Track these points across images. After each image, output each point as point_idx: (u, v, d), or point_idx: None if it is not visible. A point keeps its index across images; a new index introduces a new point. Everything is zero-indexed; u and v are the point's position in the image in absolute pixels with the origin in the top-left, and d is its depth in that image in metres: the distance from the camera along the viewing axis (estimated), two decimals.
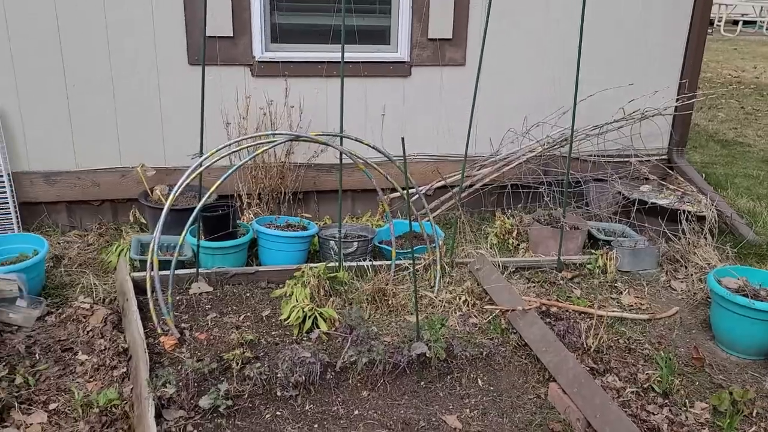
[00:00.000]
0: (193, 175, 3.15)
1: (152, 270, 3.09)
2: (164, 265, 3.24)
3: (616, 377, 2.99)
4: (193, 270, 3.57)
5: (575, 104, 3.86)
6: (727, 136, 8.07)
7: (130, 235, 4.06)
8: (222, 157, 3.25)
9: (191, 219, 3.11)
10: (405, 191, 3.14)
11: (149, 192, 4.14)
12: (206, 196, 3.15)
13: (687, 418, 2.72)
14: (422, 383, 2.94)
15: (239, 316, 3.36)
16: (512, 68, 4.87)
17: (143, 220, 4.19)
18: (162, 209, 3.08)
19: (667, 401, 2.83)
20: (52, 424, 2.49)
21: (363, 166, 3.61)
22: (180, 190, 3.16)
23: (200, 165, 3.18)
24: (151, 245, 3.09)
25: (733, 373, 3.12)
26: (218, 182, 3.14)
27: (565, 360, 2.93)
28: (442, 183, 4.78)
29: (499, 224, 4.55)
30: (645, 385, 2.93)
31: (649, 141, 5.21)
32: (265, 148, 3.52)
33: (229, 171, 3.17)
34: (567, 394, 2.76)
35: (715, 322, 3.35)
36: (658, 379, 2.92)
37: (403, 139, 2.75)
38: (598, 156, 5.00)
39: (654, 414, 2.71)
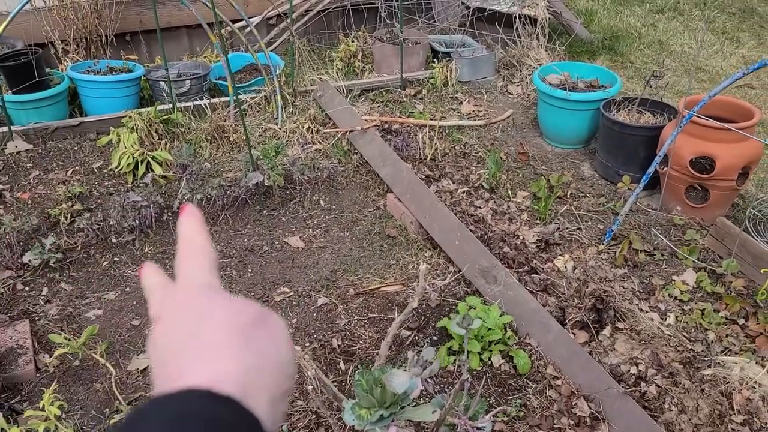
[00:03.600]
0: None
1: None
2: None
3: (450, 181, 3.15)
4: (5, 129, 3.25)
5: None
6: None
7: None
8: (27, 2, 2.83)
9: None
10: (215, 20, 2.92)
11: None
12: None
13: (509, 207, 2.95)
14: (265, 212, 2.97)
15: (67, 171, 3.16)
16: None
17: None
18: None
19: (493, 195, 3.05)
20: None
21: None
22: None
23: None
24: None
25: (554, 163, 3.39)
26: (6, 21, 2.76)
27: (399, 171, 3.04)
28: (276, 12, 4.50)
29: (343, 48, 4.42)
30: (476, 185, 3.12)
31: None
32: None
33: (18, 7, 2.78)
34: (401, 202, 2.90)
35: (541, 118, 3.55)
36: (487, 177, 3.12)
37: None
38: None
39: (480, 208, 2.92)
